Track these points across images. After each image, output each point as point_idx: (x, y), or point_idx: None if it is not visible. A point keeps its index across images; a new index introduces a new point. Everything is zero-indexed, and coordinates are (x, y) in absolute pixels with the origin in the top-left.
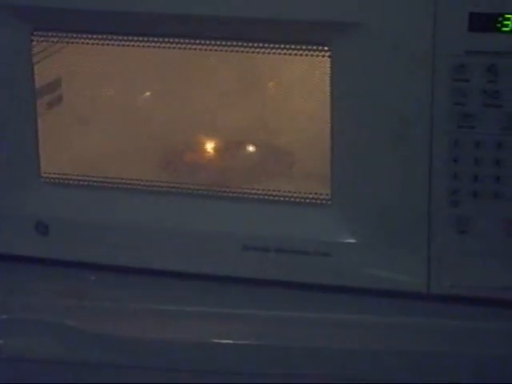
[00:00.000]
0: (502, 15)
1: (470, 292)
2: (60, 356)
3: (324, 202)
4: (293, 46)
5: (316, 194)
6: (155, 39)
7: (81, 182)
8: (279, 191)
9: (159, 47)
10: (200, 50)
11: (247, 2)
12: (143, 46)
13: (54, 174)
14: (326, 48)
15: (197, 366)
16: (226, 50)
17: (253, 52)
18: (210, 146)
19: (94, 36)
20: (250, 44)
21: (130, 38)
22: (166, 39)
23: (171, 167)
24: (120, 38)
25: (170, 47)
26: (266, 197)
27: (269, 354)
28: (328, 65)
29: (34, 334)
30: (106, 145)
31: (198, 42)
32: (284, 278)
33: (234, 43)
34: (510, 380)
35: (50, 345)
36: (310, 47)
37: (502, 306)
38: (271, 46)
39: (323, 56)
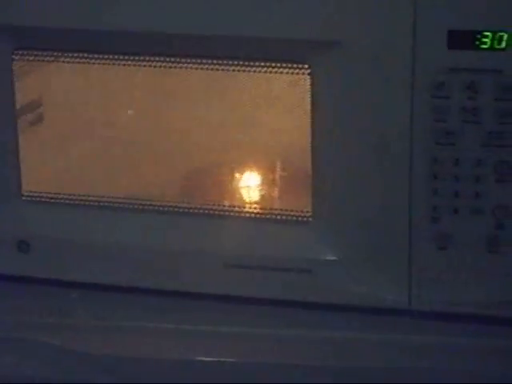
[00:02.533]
0: (480, 32)
1: (451, 308)
2: (42, 374)
3: (305, 219)
4: (273, 64)
5: (297, 211)
6: (136, 58)
7: (62, 200)
8: (260, 208)
9: (140, 65)
10: (181, 68)
11: (228, 20)
12: (124, 64)
13: (36, 192)
14: (305, 66)
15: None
16: (207, 68)
17: (233, 70)
18: (190, 164)
19: (75, 54)
20: (231, 62)
21: (111, 56)
22: (147, 58)
23: (152, 185)
24: (101, 56)
25: (151, 65)
26: (248, 214)
27: (250, 371)
28: (308, 82)
29: (16, 352)
30: (87, 163)
31: (179, 60)
32: (265, 295)
33: (215, 61)
34: None
35: (31, 363)
36: (289, 65)
37: (483, 321)
38: (251, 63)
39: (303, 73)
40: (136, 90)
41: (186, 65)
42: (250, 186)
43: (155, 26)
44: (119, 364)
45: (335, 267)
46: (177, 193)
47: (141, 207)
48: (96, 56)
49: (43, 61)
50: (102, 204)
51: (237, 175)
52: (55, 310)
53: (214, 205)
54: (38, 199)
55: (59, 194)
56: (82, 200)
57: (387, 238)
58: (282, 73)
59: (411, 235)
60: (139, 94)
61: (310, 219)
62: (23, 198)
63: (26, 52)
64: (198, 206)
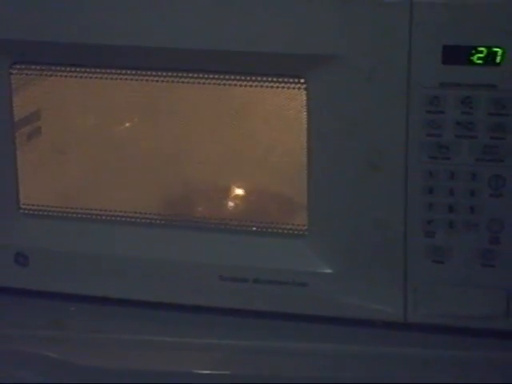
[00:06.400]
0: (474, 48)
1: (445, 321)
2: None
3: (301, 232)
4: (269, 79)
5: (293, 224)
6: (134, 72)
7: (60, 214)
8: (256, 222)
9: (138, 80)
10: (177, 82)
11: (224, 35)
12: (121, 78)
13: (34, 205)
14: (301, 80)
15: None
16: (204, 83)
17: (229, 84)
18: (187, 178)
19: (73, 69)
20: (227, 76)
21: (109, 70)
22: (144, 72)
23: (151, 199)
24: (99, 70)
25: (148, 80)
26: (244, 227)
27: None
28: (304, 97)
29: (14, 364)
30: (85, 176)
31: (175, 74)
32: (261, 308)
33: (212, 76)
34: None
35: (29, 376)
36: (285, 79)
37: (478, 335)
38: (247, 78)
39: (299, 88)
40: (133, 104)
41: (182, 79)
42: (246, 199)
43: (152, 40)
44: (117, 376)
45: (330, 280)
46: (174, 206)
47: (138, 220)
48: (94, 70)
49: (41, 75)
50: (99, 217)
51: (233, 189)
52: (53, 323)
53: (210, 218)
54: (35, 212)
55: (57, 207)
56: (79, 213)
57: (382, 251)
58: (278, 87)
59: (406, 249)
60: (137, 108)
61: (306, 233)
62: (21, 211)
63: (23, 66)
64: (195, 220)
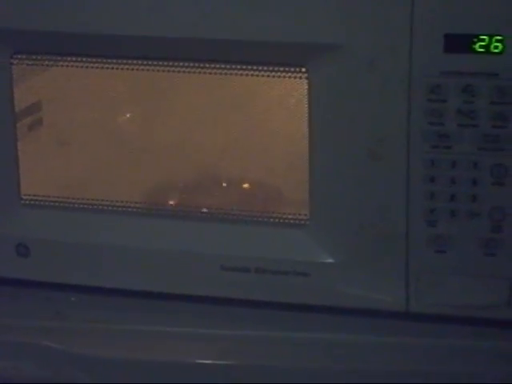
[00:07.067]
0: (476, 36)
1: (447, 311)
2: (40, 378)
3: (302, 222)
4: (270, 68)
5: (294, 214)
6: (135, 61)
7: (61, 204)
8: (258, 211)
9: (139, 69)
10: (179, 71)
11: (225, 24)
12: (123, 68)
13: (35, 196)
14: (303, 69)
15: None
16: (205, 72)
17: (231, 74)
18: (189, 167)
19: (74, 59)
20: (228, 66)
21: (110, 60)
22: (146, 62)
23: (152, 189)
24: (100, 60)
25: (149, 69)
26: (245, 217)
27: (247, 373)
28: (305, 86)
29: (14, 355)
30: (86, 167)
31: (177, 64)
32: (262, 298)
33: (213, 65)
34: None
35: (29, 366)
36: (287, 69)
37: (480, 324)
38: (249, 67)
39: (300, 77)
40: (135, 93)
41: (183, 69)
42: (247, 189)
43: (154, 29)
44: (118, 366)
45: (332, 270)
46: (175, 196)
47: (139, 210)
48: (95, 60)
49: (42, 65)
50: (100, 207)
51: (235, 178)
52: (54, 314)
53: (211, 208)
54: (37, 203)
55: (58, 197)
56: (81, 203)
57: (384, 240)
58: (279, 77)
59: (408, 238)
60: (138, 97)
61: (308, 222)
62: (22, 202)
63: (24, 56)
64: (196, 209)
